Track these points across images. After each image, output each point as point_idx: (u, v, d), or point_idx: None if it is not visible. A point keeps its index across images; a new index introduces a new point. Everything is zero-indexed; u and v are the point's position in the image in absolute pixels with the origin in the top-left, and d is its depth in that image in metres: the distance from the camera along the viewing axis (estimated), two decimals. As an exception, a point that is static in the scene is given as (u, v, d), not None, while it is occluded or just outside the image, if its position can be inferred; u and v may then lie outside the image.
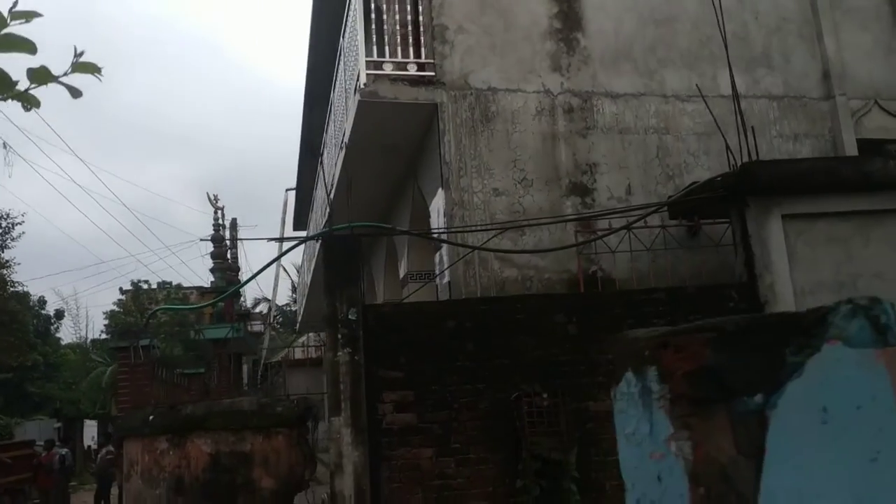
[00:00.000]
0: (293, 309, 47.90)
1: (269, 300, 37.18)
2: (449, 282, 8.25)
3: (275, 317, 37.17)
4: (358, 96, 8.52)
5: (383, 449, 6.43)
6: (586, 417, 6.55)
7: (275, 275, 25.20)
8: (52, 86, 1.81)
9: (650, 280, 7.73)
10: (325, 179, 12.14)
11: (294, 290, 44.86)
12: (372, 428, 6.43)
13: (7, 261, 23.32)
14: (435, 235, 7.60)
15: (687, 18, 9.55)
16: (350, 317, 6.57)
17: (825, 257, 7.05)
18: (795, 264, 6.98)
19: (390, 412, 6.51)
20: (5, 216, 24.10)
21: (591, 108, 9.01)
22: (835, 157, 8.26)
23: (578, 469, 6.29)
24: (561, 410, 6.29)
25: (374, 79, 8.56)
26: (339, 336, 6.54)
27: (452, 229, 7.82)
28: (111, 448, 15.74)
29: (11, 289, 24.64)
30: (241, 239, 20.68)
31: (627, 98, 9.13)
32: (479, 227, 7.84)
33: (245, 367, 24.22)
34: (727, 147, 7.50)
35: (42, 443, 17.02)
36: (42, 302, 34.37)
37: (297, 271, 40.00)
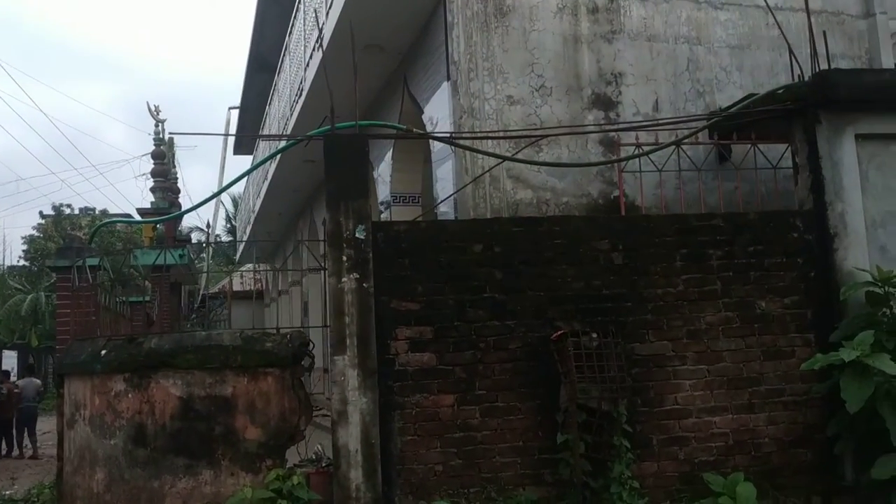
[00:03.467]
0: (225, 240, 45.96)
1: (203, 229, 35.26)
2: (455, 202, 7.09)
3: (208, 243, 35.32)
4: (352, -24, 7.15)
5: (395, 395, 5.34)
6: (631, 362, 5.58)
7: (215, 200, 23.44)
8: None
9: (681, 207, 6.74)
10: (300, 76, 10.72)
11: (229, 220, 42.94)
12: (382, 370, 5.32)
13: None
14: (459, 141, 6.37)
15: (724, -86, 8.39)
16: (358, 235, 5.37)
17: (898, 185, 6.18)
18: (867, 192, 6.08)
19: (404, 351, 5.40)
20: None
21: (618, 8, 7.83)
22: None
23: (628, 421, 5.34)
24: (612, 353, 5.29)
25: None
26: (345, 258, 5.35)
27: (473, 135, 6.62)
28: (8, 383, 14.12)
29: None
30: (224, 135, 18.82)
31: (657, 1, 7.99)
32: (505, 134, 6.67)
33: (183, 298, 22.65)
34: (791, 55, 6.48)
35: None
36: (-48, 222, 31.62)
37: (234, 200, 38.08)
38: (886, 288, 5.56)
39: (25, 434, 14.20)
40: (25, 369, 14.91)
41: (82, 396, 5.94)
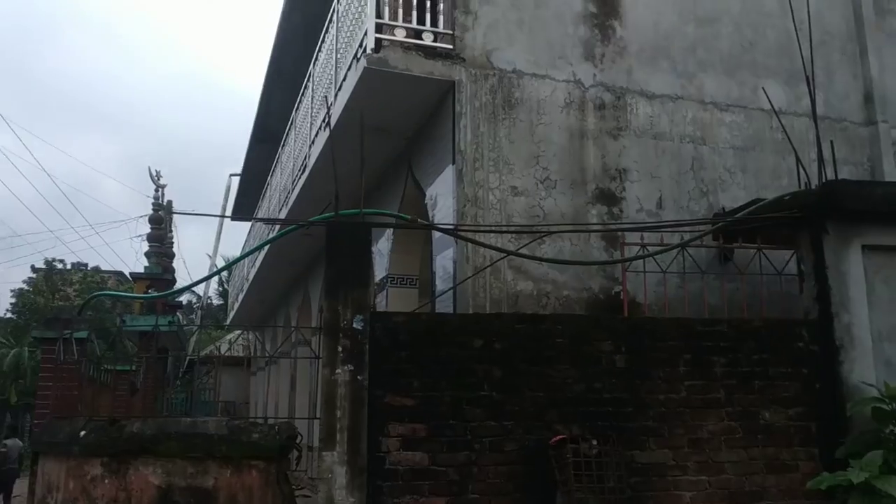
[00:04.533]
0: (216, 304, 45.65)
1: (195, 293, 35.00)
2: (454, 290, 6.97)
3: (198, 311, 35.00)
4: (363, 62, 7.19)
5: (385, 495, 5.09)
6: (631, 470, 5.37)
7: (209, 265, 23.31)
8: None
9: (685, 308, 6.64)
10: (304, 159, 10.73)
11: (221, 284, 42.73)
12: (372, 468, 5.10)
13: None
14: (461, 233, 6.30)
15: (730, 19, 8.58)
16: (356, 325, 5.22)
17: (905, 298, 6.10)
18: (874, 304, 6.00)
19: (396, 449, 5.18)
20: None
21: (625, 106, 7.91)
22: None
23: (626, 535, 5.11)
24: (612, 461, 5.09)
25: (383, 45, 7.25)
26: (340, 349, 5.19)
27: (477, 227, 6.56)
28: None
29: None
30: (222, 216, 18.73)
31: (664, 100, 8.08)
32: (508, 228, 6.61)
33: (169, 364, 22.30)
34: (798, 162, 6.50)
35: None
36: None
37: (227, 262, 37.94)
38: (893, 405, 5.42)
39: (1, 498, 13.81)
40: (9, 429, 14.52)
41: (56, 478, 5.67)
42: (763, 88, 7.97)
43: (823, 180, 6.17)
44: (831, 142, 6.87)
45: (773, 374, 5.83)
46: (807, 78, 6.80)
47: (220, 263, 38.45)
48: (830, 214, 5.98)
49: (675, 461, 5.54)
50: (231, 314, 24.56)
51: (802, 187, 6.45)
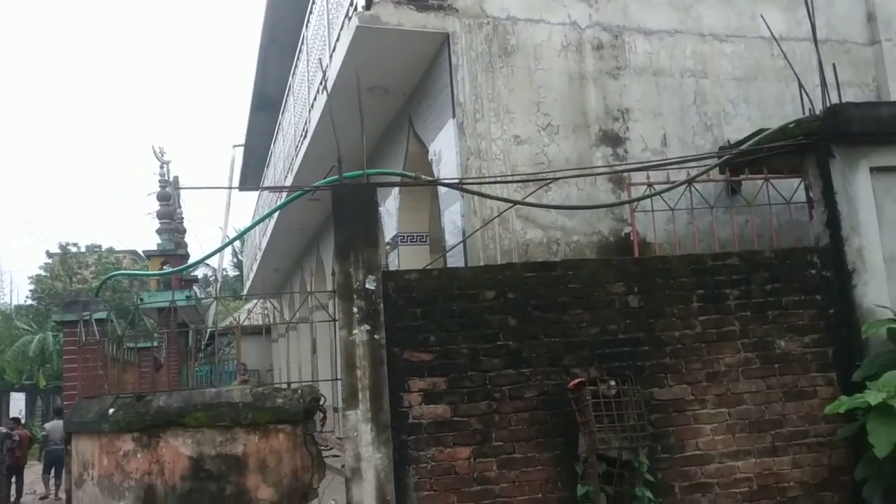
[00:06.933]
0: (232, 275, 45.98)
1: (209, 264, 35.21)
2: (464, 244, 7.00)
3: (215, 283, 35.23)
4: (355, 21, 7.13)
5: (410, 449, 5.20)
6: (650, 408, 5.44)
7: (222, 238, 23.42)
8: None
9: (695, 245, 6.63)
10: (300, 124, 10.69)
11: (236, 255, 42.98)
12: (396, 423, 5.20)
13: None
14: (467, 186, 6.30)
15: (724, -55, 8.39)
16: (368, 286, 5.27)
17: (915, 218, 6.07)
18: (884, 225, 5.97)
19: (418, 403, 5.27)
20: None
21: (623, 44, 7.81)
22: None
23: (649, 470, 5.19)
24: (631, 400, 5.15)
25: (374, 1, 7.16)
26: (356, 310, 5.25)
27: (482, 179, 6.55)
28: (9, 431, 13.99)
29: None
30: (229, 188, 18.81)
31: (662, 35, 7.96)
32: (513, 177, 6.59)
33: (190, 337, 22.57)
34: (801, 88, 6.42)
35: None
36: (-41, 264, 31.68)
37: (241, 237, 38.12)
38: (908, 325, 5.43)
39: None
40: (54, 412, 14.94)
41: (90, 455, 5.82)
42: (762, 16, 7.84)
43: (828, 105, 6.09)
44: (834, 65, 6.77)
45: (786, 303, 5.84)
46: (806, 1, 6.67)
47: (232, 235, 38.66)
48: (836, 139, 5.93)
49: (693, 396, 5.60)
50: (247, 284, 24.76)
51: (807, 114, 6.38)
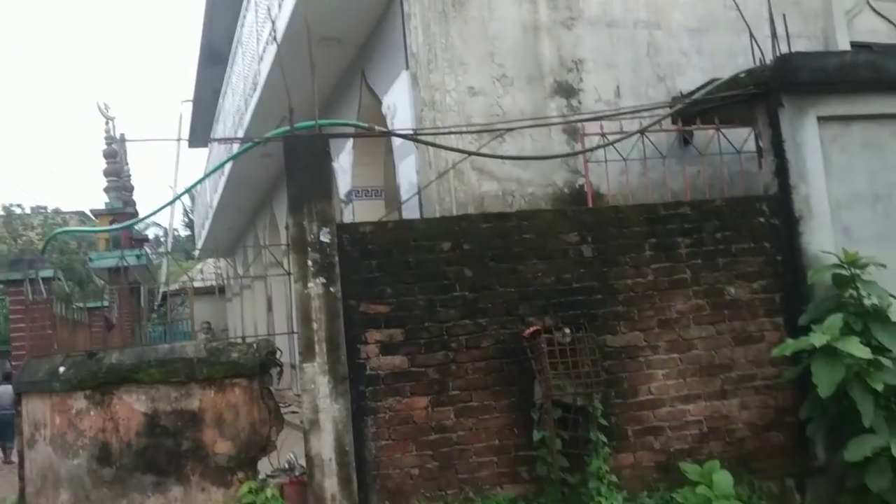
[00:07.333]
0: (184, 235, 45.25)
1: (160, 225, 34.59)
2: (420, 197, 6.97)
3: (166, 242, 34.61)
4: (305, -32, 6.93)
5: (368, 400, 5.23)
6: (604, 355, 5.54)
7: (172, 196, 22.92)
8: None
9: (648, 196, 6.70)
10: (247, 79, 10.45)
11: (187, 214, 42.24)
12: (354, 375, 5.21)
13: None
14: (422, 137, 6.24)
15: None
16: (323, 238, 5.23)
17: (860, 166, 6.22)
18: (830, 174, 6.10)
19: (375, 355, 5.29)
20: None
21: (576, -6, 7.74)
22: (874, 49, 7.39)
23: (603, 415, 5.31)
24: (585, 347, 5.24)
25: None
26: (310, 263, 5.20)
27: (436, 130, 6.49)
28: None
29: None
30: (178, 140, 18.23)
31: (615, -15, 7.91)
32: (468, 128, 6.54)
33: (143, 297, 22.19)
34: (752, 39, 6.45)
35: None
36: None
37: (191, 194, 37.45)
38: (852, 270, 5.59)
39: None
40: (2, 377, 14.53)
41: (42, 415, 5.72)
42: (714, -35, 7.84)
43: (778, 55, 6.15)
44: (784, 16, 6.81)
45: (736, 250, 5.96)
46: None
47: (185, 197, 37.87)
48: (786, 88, 6.01)
49: (646, 342, 5.71)
50: (199, 243, 24.40)
51: (758, 65, 6.43)
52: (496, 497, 5.26)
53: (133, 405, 5.21)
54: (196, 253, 28.12)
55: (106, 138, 15.75)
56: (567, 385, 5.12)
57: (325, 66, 8.99)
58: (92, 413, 5.29)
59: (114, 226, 12.01)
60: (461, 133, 6.71)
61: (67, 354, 5.68)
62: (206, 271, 28.96)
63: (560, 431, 5.15)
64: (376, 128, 5.90)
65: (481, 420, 5.38)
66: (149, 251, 17.80)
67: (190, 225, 41.06)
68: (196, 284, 23.86)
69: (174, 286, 25.95)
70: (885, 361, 5.17)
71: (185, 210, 42.85)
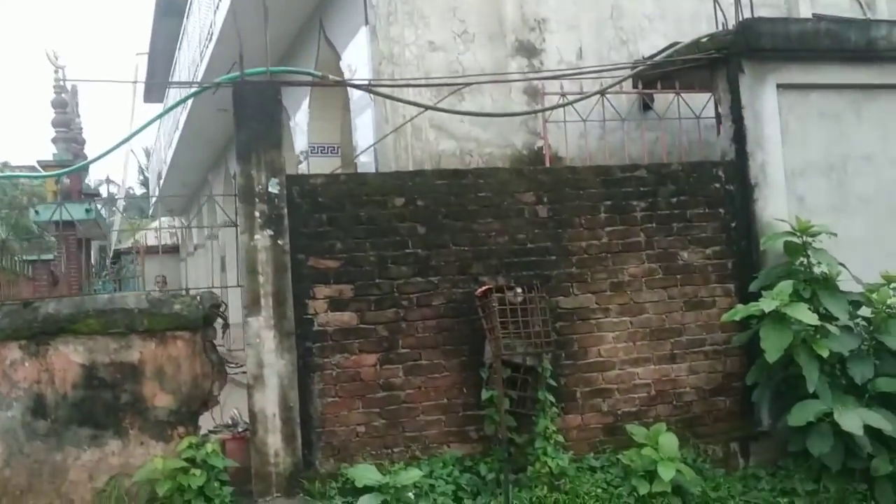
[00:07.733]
0: (138, 193, 44.26)
1: (114, 181, 33.73)
2: (376, 153, 6.82)
3: (119, 199, 33.80)
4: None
5: (315, 356, 5.13)
6: (555, 316, 5.50)
7: (126, 151, 22.34)
8: None
9: (605, 159, 6.64)
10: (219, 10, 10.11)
11: (142, 171, 41.32)
12: (301, 331, 5.09)
13: None
14: (378, 90, 6.07)
15: None
16: (271, 189, 5.06)
17: (816, 135, 6.23)
18: (787, 142, 6.11)
19: (323, 311, 5.17)
20: None
21: (542, -49, 7.58)
22: (836, 18, 7.38)
23: (552, 376, 5.28)
24: (536, 308, 5.18)
25: None
26: (257, 214, 5.05)
27: (393, 82, 6.33)
28: None
29: None
30: (134, 82, 17.53)
31: (581, -56, 7.76)
32: (427, 82, 6.39)
33: (94, 254, 21.67)
34: (716, 3, 6.38)
35: None
36: None
37: (146, 151, 36.60)
38: (804, 238, 5.61)
39: None
40: None
41: (-26, 366, 5.49)
42: (681, -71, 7.73)
43: (740, 20, 6.10)
44: (748, -20, 6.75)
45: (690, 215, 5.95)
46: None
47: (138, 150, 36.95)
48: (747, 53, 5.97)
49: (597, 304, 5.69)
50: (153, 200, 23.88)
51: (720, 29, 6.38)
52: (443, 456, 5.22)
53: (70, 356, 5.02)
54: (150, 211, 27.52)
55: (55, 87, 15.15)
56: (517, 345, 5.07)
57: (283, 17, 8.71)
58: (27, 364, 5.08)
59: (56, 172, 11.54)
60: (419, 87, 6.55)
61: (2, 303, 5.46)
62: (162, 231, 28.40)
63: (508, 391, 5.11)
64: (330, 76, 5.71)
65: (430, 378, 5.31)
66: (100, 206, 17.31)
67: (146, 183, 40.18)
68: (150, 243, 23.42)
69: (127, 244, 25.41)
70: (832, 328, 5.23)
71: (140, 168, 41.92)
